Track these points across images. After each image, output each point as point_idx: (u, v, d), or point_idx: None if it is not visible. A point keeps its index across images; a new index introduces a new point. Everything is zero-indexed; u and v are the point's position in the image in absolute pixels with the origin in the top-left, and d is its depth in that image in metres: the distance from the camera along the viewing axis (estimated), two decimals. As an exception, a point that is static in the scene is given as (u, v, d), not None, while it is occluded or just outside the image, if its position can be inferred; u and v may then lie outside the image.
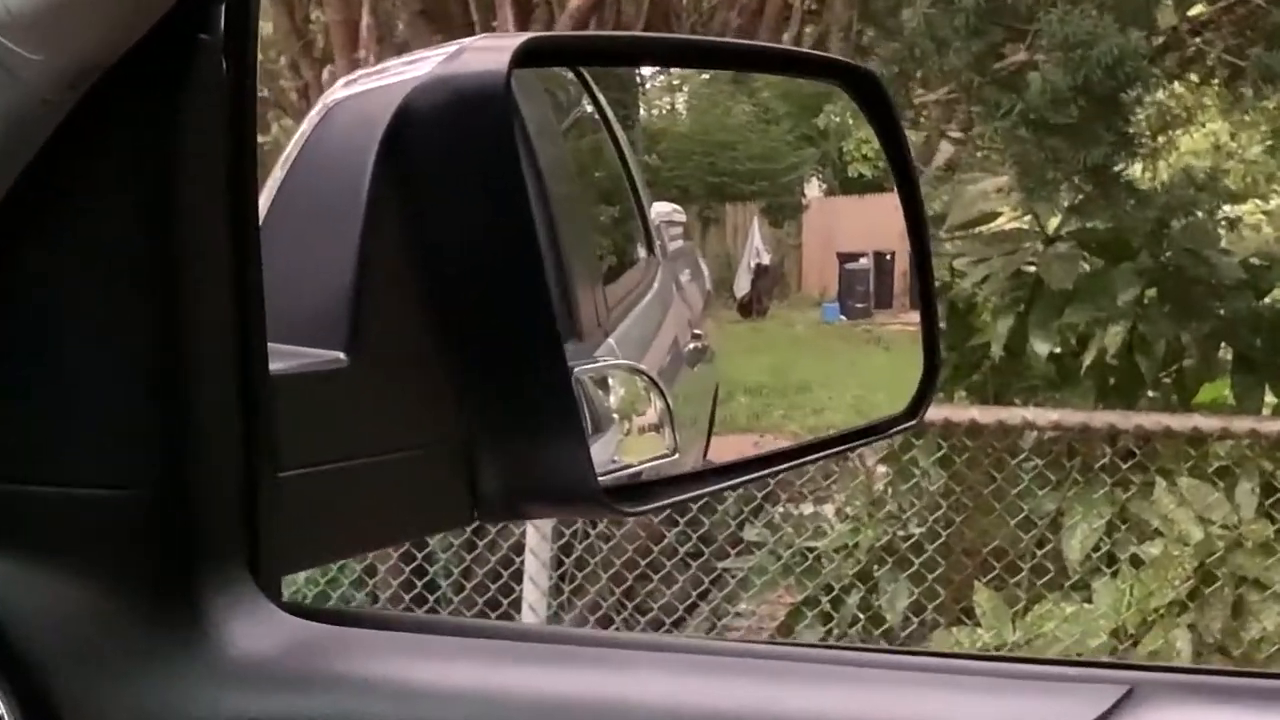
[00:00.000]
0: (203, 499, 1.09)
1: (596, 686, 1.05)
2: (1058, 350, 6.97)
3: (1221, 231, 7.08)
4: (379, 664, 1.08)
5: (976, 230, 7.44)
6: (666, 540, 6.67)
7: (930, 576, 6.49)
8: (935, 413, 6.18)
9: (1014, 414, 6.21)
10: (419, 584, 6.72)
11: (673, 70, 1.82)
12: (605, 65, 1.55)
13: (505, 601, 6.50)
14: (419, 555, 6.66)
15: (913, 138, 8.29)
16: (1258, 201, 13.04)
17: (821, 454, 1.67)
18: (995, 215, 7.44)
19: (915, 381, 1.55)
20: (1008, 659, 1.25)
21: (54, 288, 1.08)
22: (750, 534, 6.89)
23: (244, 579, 1.10)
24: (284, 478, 1.13)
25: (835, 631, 6.69)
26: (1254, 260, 7.00)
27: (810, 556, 6.80)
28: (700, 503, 5.75)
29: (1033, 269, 6.98)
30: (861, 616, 6.65)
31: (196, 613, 1.08)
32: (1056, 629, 6.32)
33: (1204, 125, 11.76)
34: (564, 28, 6.71)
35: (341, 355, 1.18)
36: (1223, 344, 6.99)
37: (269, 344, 1.12)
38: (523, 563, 6.35)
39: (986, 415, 6.20)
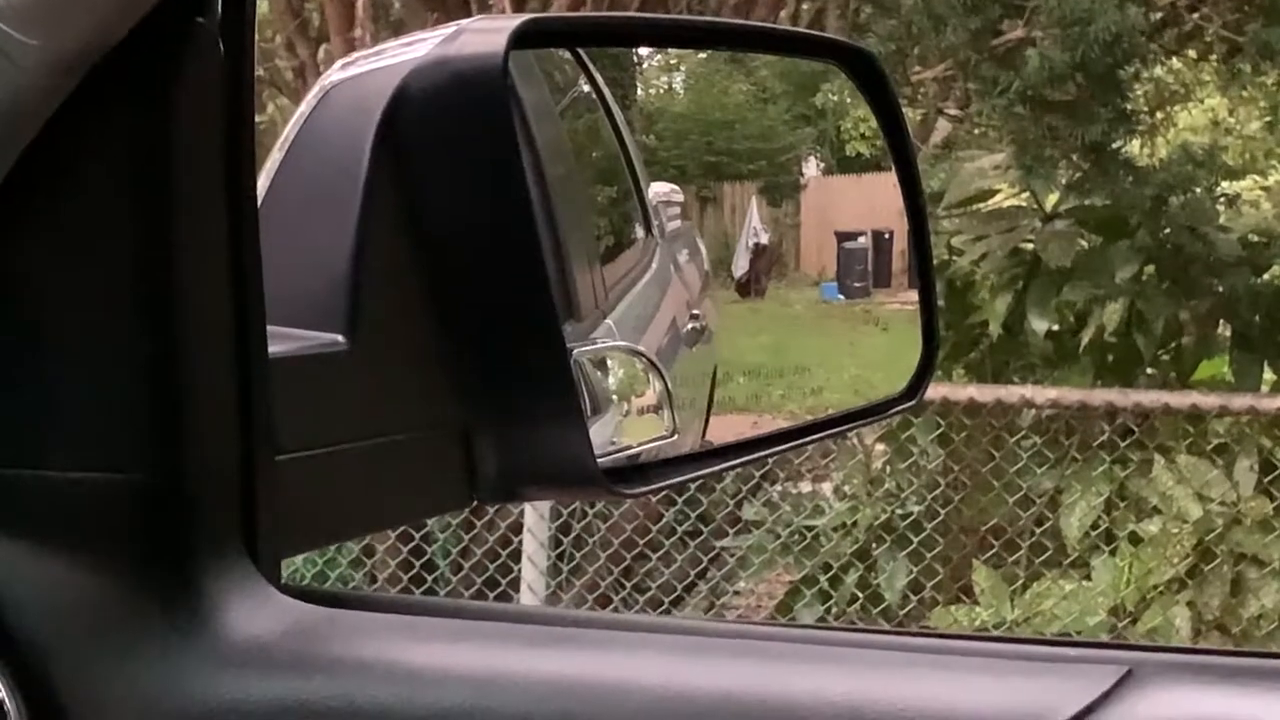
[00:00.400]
0: (201, 482, 1.09)
1: (596, 668, 1.05)
2: (1056, 328, 6.97)
3: (1220, 208, 7.07)
4: (378, 646, 1.08)
5: (974, 208, 7.44)
6: (664, 519, 6.68)
7: (929, 555, 6.50)
8: (933, 391, 6.18)
9: (1012, 392, 6.21)
10: (417, 564, 6.72)
11: (670, 50, 1.81)
12: (603, 46, 1.55)
13: (503, 581, 6.51)
14: (416, 535, 6.67)
15: (910, 115, 8.28)
16: (1256, 177, 13.05)
17: (820, 435, 1.67)
18: (993, 193, 7.44)
19: (913, 362, 1.55)
20: (1006, 639, 1.25)
21: (52, 271, 1.07)
22: (748, 513, 6.90)
23: (242, 562, 1.10)
24: (282, 461, 1.13)
25: (834, 610, 6.70)
26: (1252, 237, 7.00)
27: (808, 535, 6.80)
28: (698, 483, 5.75)
29: (1030, 247, 6.98)
30: (860, 595, 6.66)
31: (195, 596, 1.08)
32: (1055, 607, 6.33)
33: (1202, 101, 11.76)
34: (560, 6, 6.70)
35: (340, 338, 1.18)
36: (1221, 321, 6.99)
37: (267, 327, 1.12)
38: (520, 543, 6.35)
39: (984, 393, 6.20)
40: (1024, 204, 7.20)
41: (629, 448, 1.37)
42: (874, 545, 6.71)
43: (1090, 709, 0.94)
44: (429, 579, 6.72)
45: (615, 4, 7.77)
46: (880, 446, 6.98)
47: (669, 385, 1.38)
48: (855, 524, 6.77)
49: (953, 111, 7.72)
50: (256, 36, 1.12)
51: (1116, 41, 5.85)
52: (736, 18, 7.74)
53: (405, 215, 1.20)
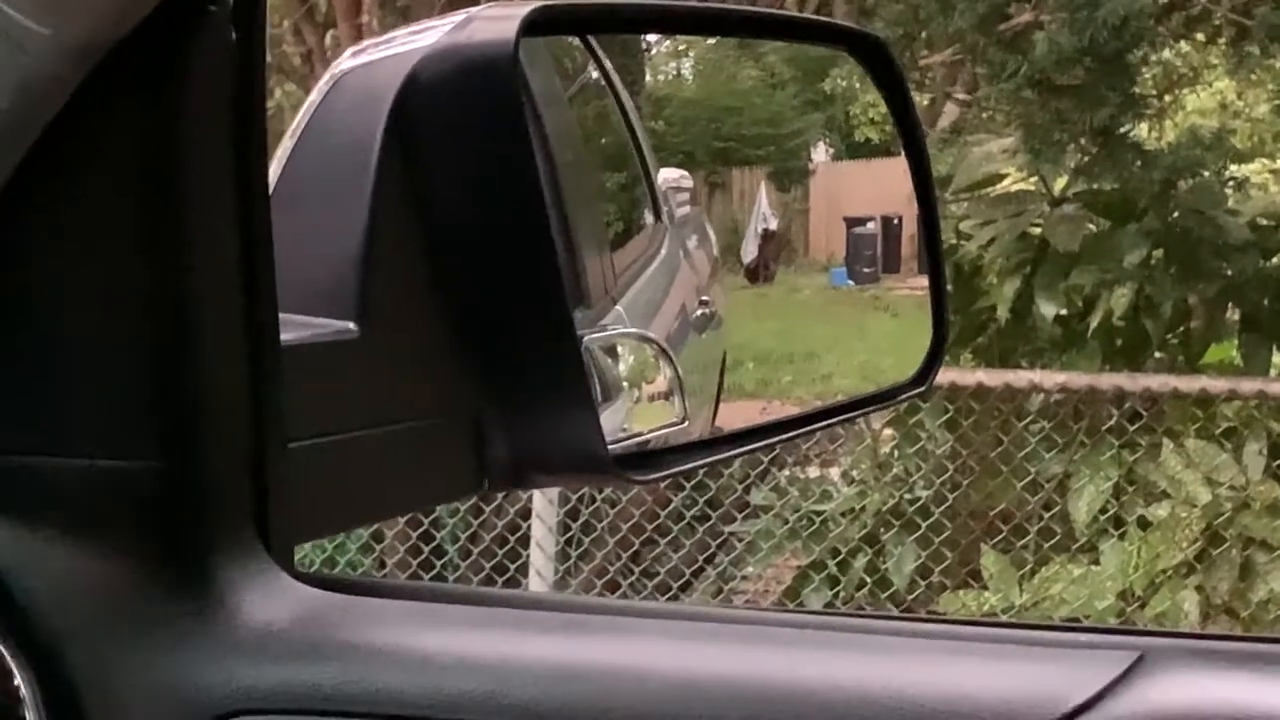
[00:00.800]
0: (214, 470, 1.09)
1: (606, 654, 1.05)
2: (1064, 312, 6.96)
3: (1228, 192, 7.05)
4: (390, 632, 1.08)
5: (982, 192, 7.42)
6: (673, 505, 6.68)
7: (937, 539, 6.50)
8: (942, 375, 6.16)
9: (1020, 377, 6.20)
10: (426, 549, 6.73)
11: (680, 37, 1.81)
12: (614, 32, 1.55)
13: (512, 566, 6.51)
14: (425, 520, 6.67)
15: (918, 100, 8.27)
16: (1265, 160, 13.02)
17: (829, 421, 1.67)
18: (1001, 177, 7.42)
19: (923, 348, 1.55)
20: (1017, 625, 1.25)
21: (65, 260, 1.08)
22: (757, 498, 6.90)
23: (255, 549, 1.10)
24: (294, 448, 1.13)
25: (842, 594, 6.70)
26: (1261, 220, 6.98)
27: (817, 520, 6.80)
28: (707, 468, 5.76)
29: (1039, 231, 6.97)
30: (868, 580, 6.66)
31: (208, 582, 1.08)
32: (1064, 591, 6.33)
33: (1210, 84, 11.73)
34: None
35: (351, 325, 1.18)
36: (1230, 305, 6.98)
37: (279, 314, 1.12)
38: (529, 528, 6.36)
39: (993, 378, 6.19)
40: (1032, 188, 7.19)
41: (639, 434, 1.37)
42: (882, 530, 6.71)
43: (1102, 694, 0.94)
44: (438, 564, 6.73)
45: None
46: (888, 431, 6.98)
47: (679, 372, 1.39)
48: (863, 509, 6.77)
49: (961, 96, 7.71)
50: (267, 24, 1.12)
51: (1124, 25, 5.84)
52: (745, 1, 7.74)
53: (416, 203, 1.20)
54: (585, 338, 1.28)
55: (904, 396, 1.55)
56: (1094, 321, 6.76)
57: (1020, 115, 6.28)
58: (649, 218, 1.74)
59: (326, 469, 1.17)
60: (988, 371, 6.43)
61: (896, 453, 6.94)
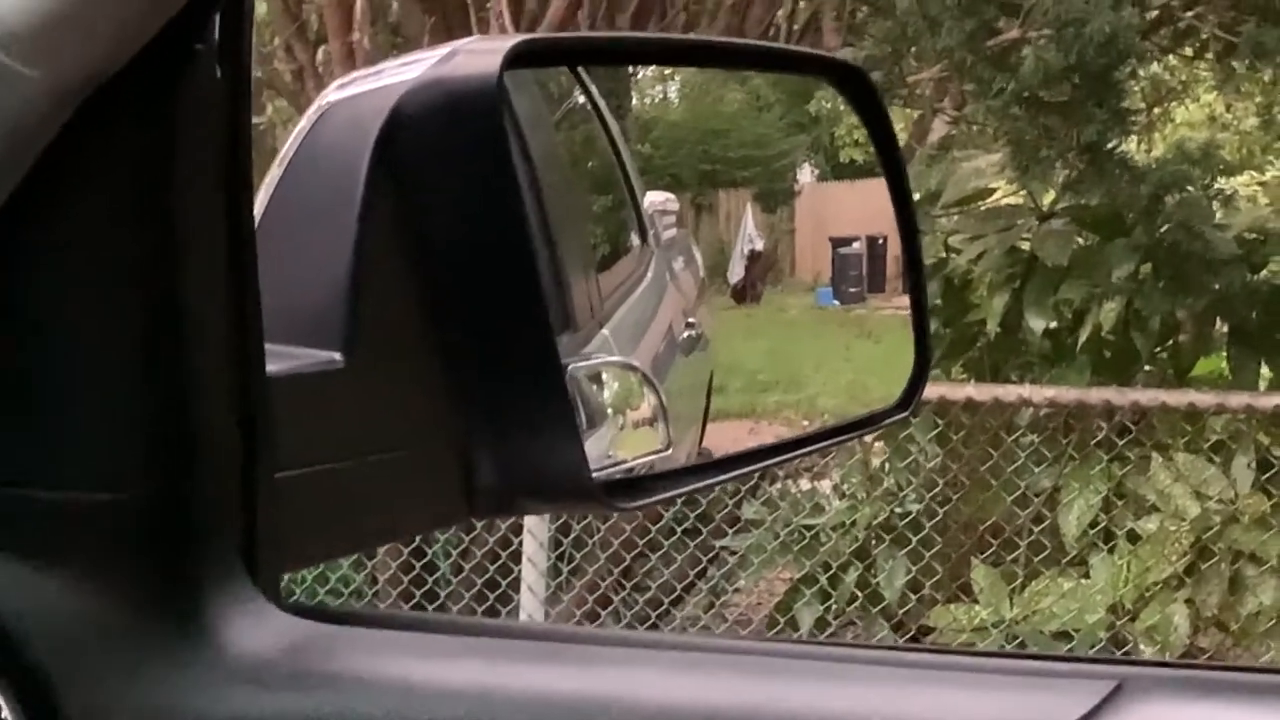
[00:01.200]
0: (201, 500, 1.10)
1: (594, 684, 1.06)
2: (1053, 326, 6.98)
3: (1216, 206, 7.08)
4: (377, 662, 1.09)
5: (971, 207, 7.44)
6: (664, 520, 6.69)
7: (928, 553, 6.51)
8: (931, 390, 6.19)
9: (1010, 391, 6.22)
10: (418, 565, 6.73)
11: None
12: (596, 64, 1.56)
13: (504, 582, 6.52)
14: (417, 537, 6.67)
15: (907, 116, 8.29)
16: (1253, 173, 13.04)
17: (813, 446, 1.68)
18: (990, 192, 7.44)
19: (907, 368, 1.56)
20: (997, 654, 1.26)
21: (52, 293, 1.09)
22: (748, 512, 6.91)
23: (242, 579, 1.11)
24: (281, 478, 1.14)
25: (834, 609, 6.71)
26: (1248, 234, 7.00)
27: (808, 534, 6.81)
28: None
29: (1027, 245, 6.99)
30: (859, 594, 6.67)
31: (195, 613, 1.09)
32: (1053, 605, 6.34)
33: (1199, 98, 11.76)
34: (557, 8, 6.71)
35: (337, 356, 1.19)
36: (1218, 319, 7.00)
37: (266, 345, 1.13)
38: (521, 544, 6.36)
39: (982, 392, 6.21)
40: (1021, 202, 7.21)
41: (624, 461, 1.38)
42: (873, 544, 6.72)
43: None
44: (430, 580, 6.74)
45: (613, 2, 7.77)
46: (879, 445, 6.99)
47: (663, 399, 1.40)
48: (854, 523, 6.78)
49: (950, 112, 7.72)
50: (254, 36, 1.13)
51: (1111, 42, 5.86)
52: (733, 17, 7.75)
53: (402, 234, 1.21)
54: (570, 366, 1.29)
55: (888, 421, 1.56)
56: (1083, 335, 6.78)
57: (1008, 131, 6.30)
58: (635, 240, 1.75)
59: (313, 498, 1.18)
60: (977, 386, 6.45)
61: (887, 466, 6.96)
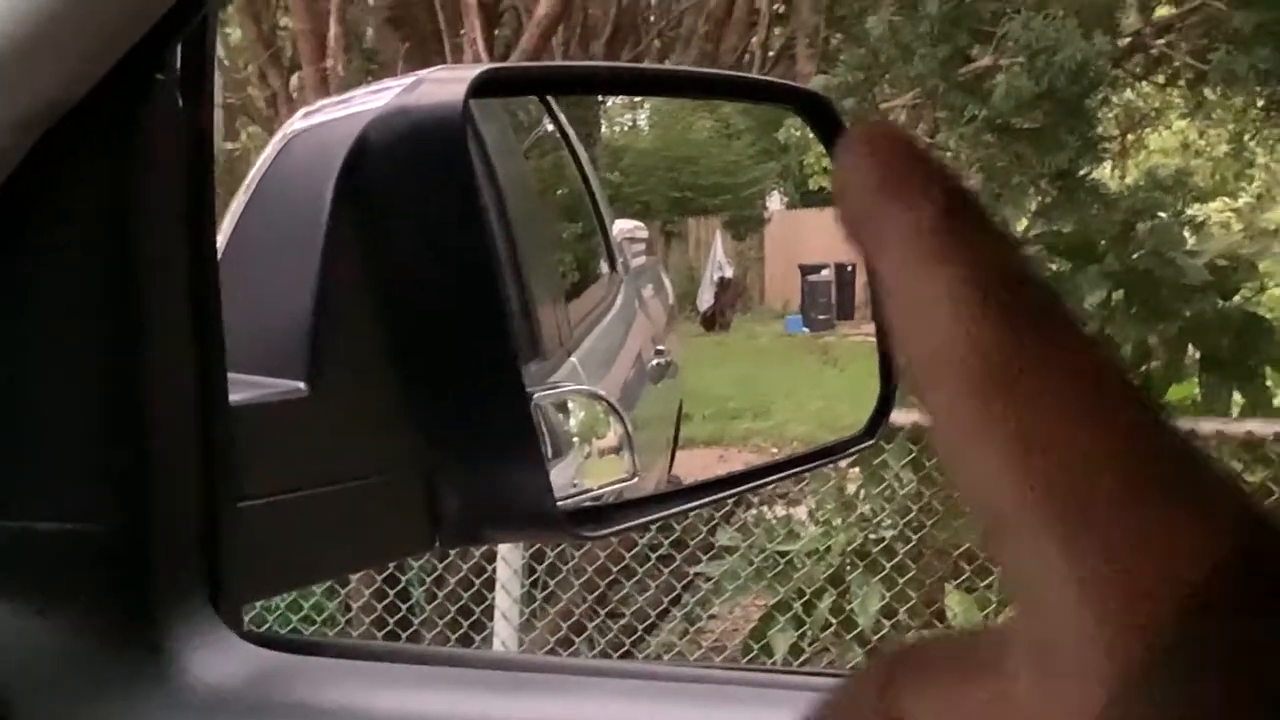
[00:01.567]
0: (163, 531, 1.09)
1: (561, 714, 1.06)
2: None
3: (1187, 233, 7.11)
4: (341, 693, 1.09)
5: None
6: (638, 546, 6.68)
7: (902, 580, 6.51)
8: (905, 416, 6.20)
9: (983, 417, 6.21)
10: (391, 592, 6.72)
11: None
12: (563, 94, 1.56)
13: (478, 609, 6.50)
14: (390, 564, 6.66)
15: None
16: (1226, 199, 13.10)
17: (782, 474, 1.68)
18: (963, 218, 7.46)
19: (874, 395, 1.57)
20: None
21: (11, 323, 1.08)
22: (722, 538, 6.90)
23: (205, 610, 1.10)
24: (244, 508, 1.13)
25: (808, 635, 6.71)
26: (1220, 261, 7.03)
27: (782, 560, 6.81)
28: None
29: (1000, 272, 7.00)
30: (833, 620, 6.67)
31: (158, 644, 1.08)
32: (1027, 631, 6.34)
33: (1171, 125, 11.82)
34: (531, 35, 6.72)
35: (302, 385, 1.18)
36: (1190, 345, 7.03)
37: (229, 375, 1.13)
38: (494, 570, 6.35)
39: (955, 419, 6.20)
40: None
41: (590, 490, 1.38)
42: (848, 570, 6.72)
43: None
44: (403, 607, 6.72)
45: (586, 30, 7.79)
46: (854, 470, 7.00)
47: (629, 428, 1.40)
48: (829, 549, 6.78)
49: (928, 139, 7.75)
50: (228, 61, 1.13)
51: (1082, 69, 5.89)
52: (707, 44, 7.77)
53: (367, 262, 1.21)
54: (536, 394, 1.30)
55: (854, 450, 1.56)
56: (1056, 362, 6.79)
57: (980, 158, 6.32)
58: (604, 268, 1.75)
59: (277, 528, 1.17)
60: (951, 412, 6.44)
61: (862, 493, 6.96)
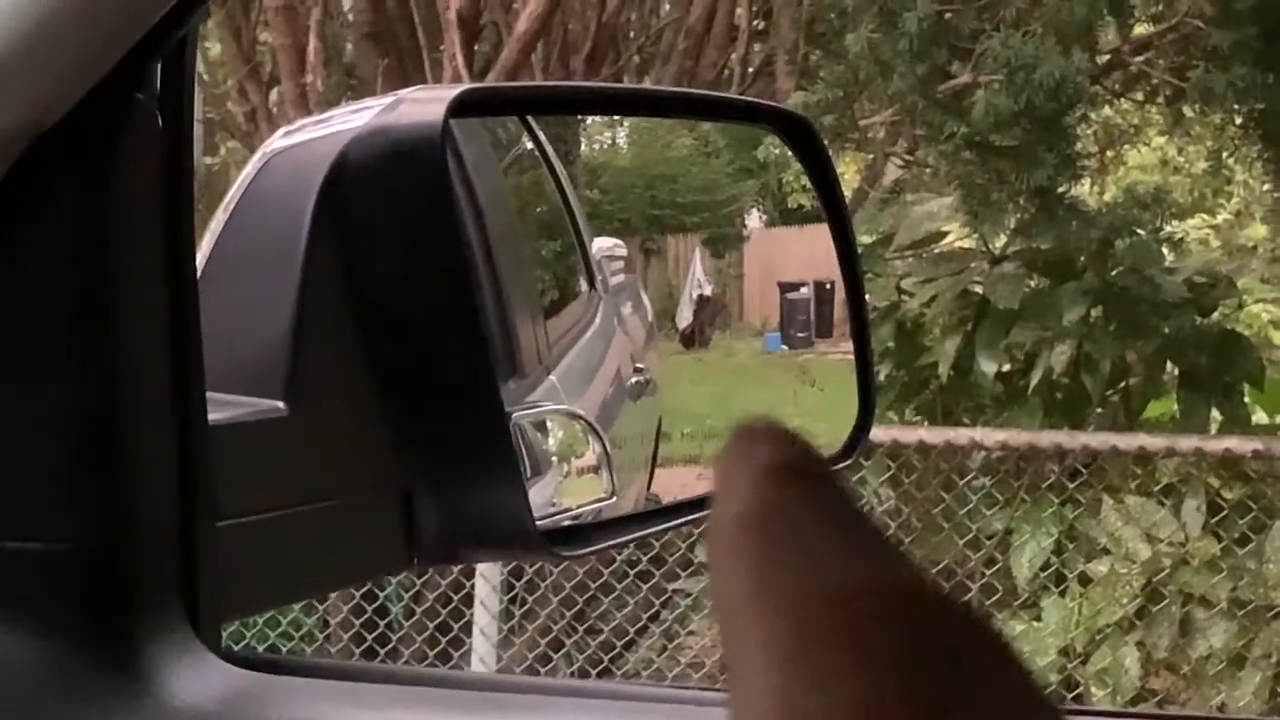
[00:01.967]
0: (141, 550, 1.09)
1: None
2: (1005, 369, 7.01)
3: (1166, 250, 7.12)
4: (316, 711, 1.09)
5: (924, 250, 7.47)
6: (617, 563, 6.68)
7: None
8: (884, 433, 6.21)
9: (961, 434, 6.23)
10: (369, 609, 6.70)
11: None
12: (542, 113, 1.57)
13: (456, 625, 6.50)
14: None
15: (860, 159, 8.33)
16: (1205, 216, 13.12)
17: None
18: (942, 235, 7.47)
19: (851, 412, 1.57)
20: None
21: None
22: (702, 555, 6.90)
23: (182, 629, 1.10)
24: (223, 527, 1.13)
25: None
26: (1198, 278, 7.04)
27: (761, 577, 6.80)
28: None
29: (979, 289, 7.02)
30: (812, 637, 6.66)
31: (135, 663, 1.08)
32: (1005, 648, 6.34)
33: (1150, 142, 11.84)
34: (511, 51, 6.72)
35: (280, 404, 1.19)
36: (1168, 362, 7.04)
37: (208, 394, 1.13)
38: (473, 587, 6.35)
39: (934, 435, 6.22)
40: (973, 246, 7.24)
41: (569, 509, 1.38)
42: (826, 587, 6.71)
43: None
44: (381, 623, 6.71)
45: (566, 46, 7.80)
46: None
47: (607, 447, 1.40)
48: (808, 566, 6.77)
49: (903, 156, 7.77)
50: (205, 98, 1.14)
51: (1061, 87, 5.90)
52: (687, 60, 7.78)
53: (345, 282, 1.22)
54: (514, 414, 1.30)
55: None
56: (1034, 379, 6.80)
57: (959, 176, 6.34)
58: (583, 286, 1.75)
59: (255, 547, 1.17)
60: (929, 429, 6.46)
61: (841, 509, 6.96)
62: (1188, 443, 6.00)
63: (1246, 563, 6.15)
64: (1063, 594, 6.40)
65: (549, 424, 1.39)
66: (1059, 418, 6.86)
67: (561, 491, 1.38)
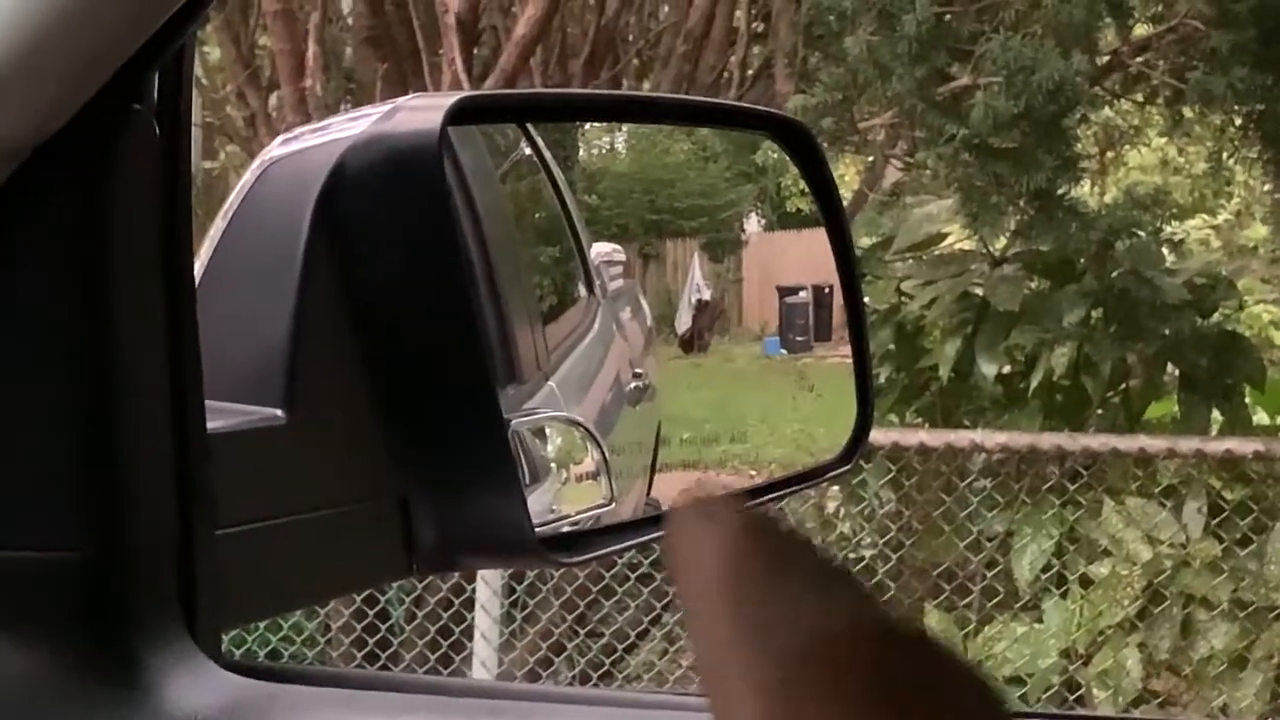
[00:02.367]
0: (140, 559, 1.09)
1: None
2: (1005, 371, 7.01)
3: (1166, 251, 7.12)
4: None
5: (924, 253, 7.47)
6: (618, 566, 6.68)
7: (881, 599, 6.50)
8: (885, 435, 6.21)
9: (962, 436, 6.24)
10: (370, 613, 6.70)
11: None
12: (539, 121, 1.57)
13: (457, 630, 6.50)
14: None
15: (859, 162, 8.32)
16: (1205, 216, 13.13)
17: (759, 499, 1.68)
18: (942, 237, 7.47)
19: (850, 417, 1.57)
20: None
21: None
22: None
23: (182, 637, 1.10)
24: (222, 535, 1.13)
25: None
26: (1198, 280, 7.04)
27: (762, 580, 6.80)
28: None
29: (979, 291, 7.02)
30: (813, 640, 6.65)
31: (135, 672, 1.08)
32: (1007, 650, 6.35)
33: (1150, 143, 11.84)
34: (510, 55, 6.72)
35: (279, 412, 1.19)
36: (1168, 364, 7.03)
37: (206, 402, 1.13)
38: (474, 590, 6.34)
39: (935, 438, 6.22)
40: (973, 248, 7.24)
41: (568, 515, 1.38)
42: (827, 589, 6.71)
43: None
44: (383, 628, 6.71)
45: (565, 51, 7.80)
46: (833, 489, 7.00)
47: (606, 454, 1.40)
48: (808, 568, 6.77)
49: (902, 158, 7.76)
50: (206, 80, 1.14)
51: (1059, 89, 5.90)
52: (685, 64, 7.79)
53: (343, 290, 1.22)
54: (513, 421, 1.30)
55: (830, 475, 1.56)
56: (1035, 381, 6.81)
57: (959, 178, 6.33)
58: (582, 291, 1.75)
59: (254, 555, 1.17)
60: (930, 431, 6.46)
61: (841, 511, 6.96)
62: (1188, 444, 6.01)
63: (1248, 564, 6.15)
64: (1064, 596, 6.40)
65: (548, 430, 1.39)
66: (1059, 420, 6.86)
67: (560, 498, 1.38)
